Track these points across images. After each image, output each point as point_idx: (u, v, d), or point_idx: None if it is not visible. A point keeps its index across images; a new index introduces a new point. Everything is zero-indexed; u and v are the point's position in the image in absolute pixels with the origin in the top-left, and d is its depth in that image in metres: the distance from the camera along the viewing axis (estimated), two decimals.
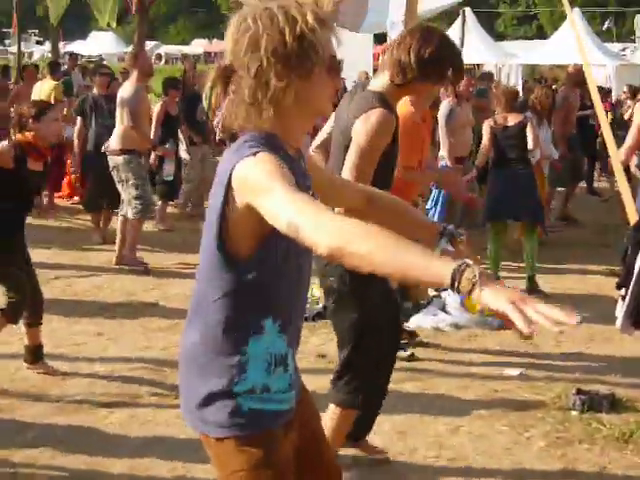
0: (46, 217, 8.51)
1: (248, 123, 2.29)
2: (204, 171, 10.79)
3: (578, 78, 10.70)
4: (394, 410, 4.96)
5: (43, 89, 11.88)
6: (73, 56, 20.38)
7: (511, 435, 4.92)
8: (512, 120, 8.20)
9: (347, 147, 3.78)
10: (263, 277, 2.30)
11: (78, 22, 49.56)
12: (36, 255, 8.62)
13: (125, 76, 11.99)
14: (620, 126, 12.81)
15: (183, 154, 10.98)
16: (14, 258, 5.45)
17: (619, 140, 7.03)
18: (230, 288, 2.31)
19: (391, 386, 4.34)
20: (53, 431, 4.85)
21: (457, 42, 16.57)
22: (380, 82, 3.89)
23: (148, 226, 9.79)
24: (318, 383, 5.00)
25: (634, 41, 32.83)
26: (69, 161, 11.75)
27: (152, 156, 9.77)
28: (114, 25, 19.60)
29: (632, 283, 5.45)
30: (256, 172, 2.15)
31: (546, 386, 5.65)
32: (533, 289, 7.97)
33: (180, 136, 10.83)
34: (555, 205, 11.70)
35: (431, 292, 7.51)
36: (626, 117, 12.80)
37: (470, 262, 1.87)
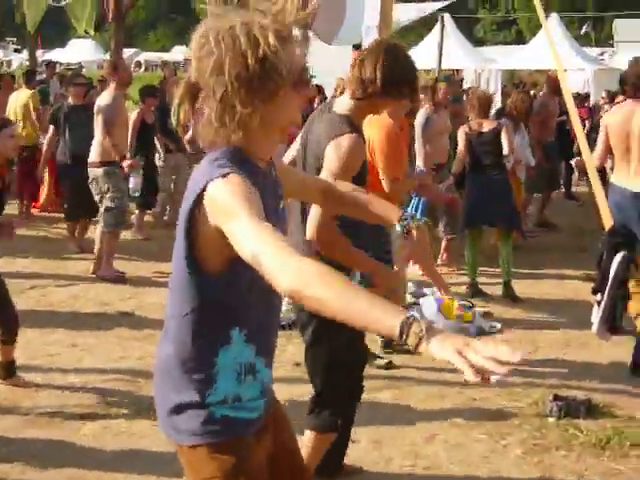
0: (18, 227, 8.43)
1: (217, 143, 2.30)
2: (178, 179, 10.75)
3: (557, 85, 10.72)
4: (370, 419, 4.95)
5: (19, 98, 11.80)
6: (51, 64, 20.31)
7: (488, 443, 4.91)
8: (487, 126, 8.21)
9: (319, 170, 3.76)
10: (231, 295, 2.32)
11: (57, 29, 49.34)
12: (12, 265, 8.64)
13: (103, 84, 11.93)
14: (598, 131, 12.84)
15: (159, 163, 10.94)
16: None
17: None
18: (198, 303, 2.32)
19: (367, 395, 4.34)
20: (25, 444, 4.79)
21: (436, 48, 16.71)
22: (344, 103, 3.87)
23: (126, 235, 9.76)
24: (294, 391, 4.99)
25: (612, 45, 33.05)
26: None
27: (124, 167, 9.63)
28: (92, 32, 19.56)
29: (607, 288, 5.47)
30: (225, 196, 2.16)
31: (523, 392, 5.64)
32: (509, 295, 7.98)
33: (157, 144, 10.79)
34: (532, 211, 11.72)
35: (409, 299, 7.50)
36: None
37: (417, 316, 1.90)
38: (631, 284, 5.43)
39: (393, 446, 4.82)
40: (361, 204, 2.85)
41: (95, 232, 8.86)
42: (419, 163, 8.97)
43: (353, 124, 3.78)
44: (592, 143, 7.39)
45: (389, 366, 6.04)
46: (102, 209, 8.57)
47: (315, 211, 3.45)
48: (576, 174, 14.44)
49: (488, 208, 8.00)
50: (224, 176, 2.18)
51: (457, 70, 24.78)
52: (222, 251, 2.21)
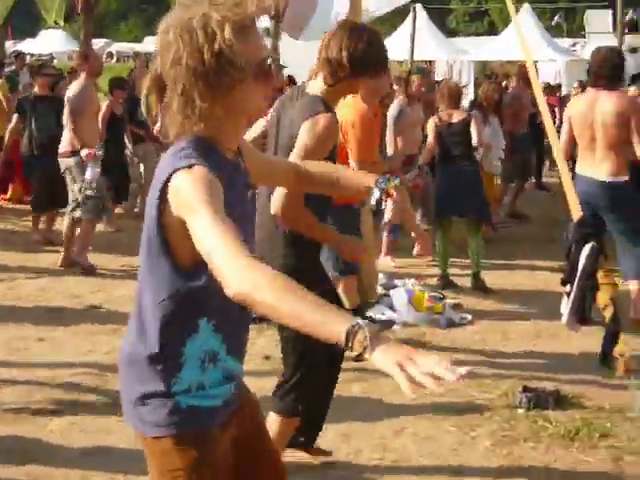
0: None
1: (183, 134, 2.31)
2: (146, 168, 10.69)
3: (528, 77, 10.73)
4: (339, 412, 4.91)
5: None
6: (21, 55, 20.05)
7: (457, 435, 4.90)
8: (456, 117, 8.20)
9: (292, 149, 3.74)
10: (200, 286, 2.31)
11: (28, 20, 48.85)
12: None
13: (73, 76, 11.81)
14: None
15: (128, 153, 10.87)
16: None
17: None
18: (168, 292, 2.32)
19: (336, 388, 4.30)
20: None
21: (408, 39, 16.67)
22: (317, 86, 3.85)
23: (98, 227, 9.67)
24: (264, 384, 4.94)
25: (584, 36, 33.14)
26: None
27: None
28: (62, 23, 19.44)
29: (576, 279, 5.48)
30: (188, 189, 2.17)
31: (493, 384, 5.64)
32: (478, 286, 7.99)
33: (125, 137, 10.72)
34: (505, 201, 11.75)
35: (380, 291, 7.49)
36: None
37: (362, 324, 1.90)
38: (599, 275, 5.44)
39: (361, 439, 4.81)
40: (334, 180, 2.90)
41: (63, 223, 8.79)
42: (389, 154, 8.96)
43: (327, 105, 3.76)
44: None
45: (358, 358, 6.01)
46: (80, 198, 8.46)
47: (280, 187, 3.45)
48: (547, 164, 14.50)
49: (457, 199, 7.99)
50: (189, 167, 2.19)
51: (430, 61, 24.75)
52: (189, 242, 2.20)
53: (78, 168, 8.41)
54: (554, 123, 7.66)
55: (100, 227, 9.88)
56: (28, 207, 10.64)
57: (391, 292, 7.34)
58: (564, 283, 5.69)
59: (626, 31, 26.42)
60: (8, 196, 12.00)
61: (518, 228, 11.01)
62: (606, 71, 6.36)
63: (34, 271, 8.51)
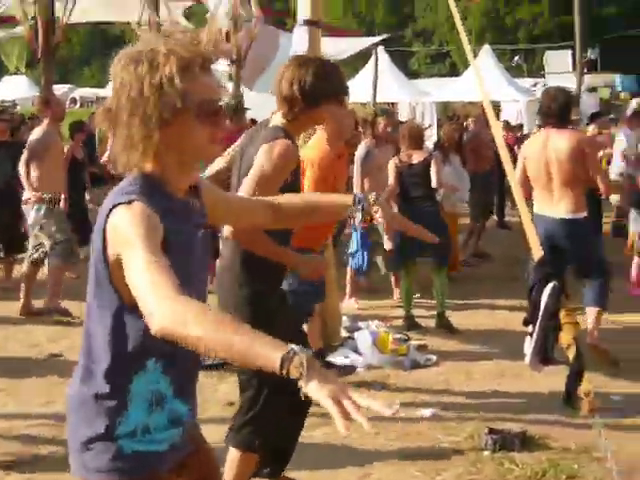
0: None
1: (129, 166, 2.30)
2: None
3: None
4: (302, 457, 4.82)
5: None
6: None
7: None
8: (417, 158, 8.21)
9: None
10: (145, 326, 2.21)
11: None
12: None
13: (34, 121, 11.76)
14: None
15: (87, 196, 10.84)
16: None
17: None
18: (114, 325, 2.29)
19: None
20: None
21: (371, 81, 16.78)
22: (278, 120, 3.89)
23: None
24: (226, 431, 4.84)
25: (544, 76, 33.60)
26: None
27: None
28: (23, 69, 19.36)
29: (539, 320, 5.46)
30: (125, 224, 2.16)
31: (458, 426, 5.58)
32: (443, 325, 7.96)
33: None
34: (470, 242, 11.77)
35: (344, 333, 7.44)
36: None
37: (297, 349, 1.90)
38: (562, 314, 5.42)
39: None
40: (314, 206, 2.92)
41: (21, 270, 8.67)
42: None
43: (288, 134, 3.78)
44: None
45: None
46: (48, 244, 8.35)
47: None
48: (509, 203, 14.59)
49: (420, 240, 7.93)
50: (128, 203, 2.19)
51: (392, 103, 24.93)
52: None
53: (42, 214, 8.30)
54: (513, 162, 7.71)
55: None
56: None
57: (355, 334, 7.28)
58: (526, 323, 5.67)
59: (585, 71, 26.87)
60: None
61: (480, 267, 11.05)
62: (555, 111, 6.50)
63: None
